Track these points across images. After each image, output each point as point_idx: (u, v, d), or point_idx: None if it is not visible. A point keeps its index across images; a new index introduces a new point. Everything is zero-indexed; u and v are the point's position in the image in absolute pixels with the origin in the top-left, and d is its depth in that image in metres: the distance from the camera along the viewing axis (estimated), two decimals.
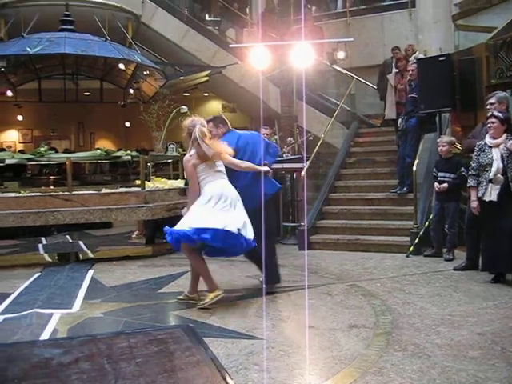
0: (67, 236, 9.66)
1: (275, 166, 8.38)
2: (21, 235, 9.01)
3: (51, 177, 11.21)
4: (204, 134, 4.78)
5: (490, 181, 5.34)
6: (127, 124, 13.92)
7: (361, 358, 3.49)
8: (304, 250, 5.88)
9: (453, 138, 7.03)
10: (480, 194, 5.41)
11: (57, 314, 4.68)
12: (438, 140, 7.06)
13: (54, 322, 4.44)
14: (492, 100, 5.88)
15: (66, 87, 10.48)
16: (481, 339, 3.78)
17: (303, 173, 7.78)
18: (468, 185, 5.64)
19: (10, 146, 14.31)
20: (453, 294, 5.04)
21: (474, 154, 5.56)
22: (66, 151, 10.96)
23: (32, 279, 6.13)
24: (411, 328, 4.07)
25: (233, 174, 4.98)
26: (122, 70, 8.75)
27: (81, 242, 8.80)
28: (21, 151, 11.04)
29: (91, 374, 2.69)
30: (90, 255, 7.79)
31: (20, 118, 14.56)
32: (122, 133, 15.02)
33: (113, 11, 9.40)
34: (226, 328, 4.19)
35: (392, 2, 12.12)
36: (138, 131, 10.35)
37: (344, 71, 11.22)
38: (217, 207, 4.65)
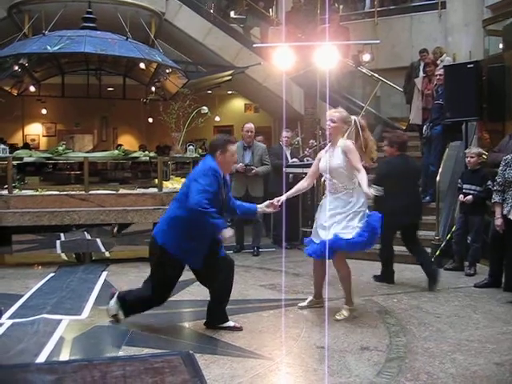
0: (85, 232, 9.66)
1: (295, 170, 8.33)
2: (39, 230, 9.00)
3: (72, 172, 11.22)
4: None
5: None
6: (150, 120, 13.88)
7: None
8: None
9: (481, 150, 6.76)
10: (505, 212, 5.20)
11: (65, 320, 4.64)
12: (467, 151, 6.77)
13: (61, 330, 4.39)
14: None
15: (90, 82, 10.48)
16: (498, 370, 3.59)
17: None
18: (493, 201, 5.42)
19: (33, 140, 14.39)
20: (472, 316, 4.84)
21: (500, 168, 5.35)
22: None
23: (45, 280, 6.12)
24: (425, 353, 3.89)
25: None
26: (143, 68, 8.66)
27: (98, 240, 8.80)
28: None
29: None
30: (107, 255, 7.79)
31: (44, 111, 14.62)
32: (145, 128, 15.02)
33: (136, 9, 9.32)
34: (233, 344, 4.08)
35: (422, 3, 11.85)
36: (161, 127, 10.26)
37: (370, 73, 11.01)
38: None
